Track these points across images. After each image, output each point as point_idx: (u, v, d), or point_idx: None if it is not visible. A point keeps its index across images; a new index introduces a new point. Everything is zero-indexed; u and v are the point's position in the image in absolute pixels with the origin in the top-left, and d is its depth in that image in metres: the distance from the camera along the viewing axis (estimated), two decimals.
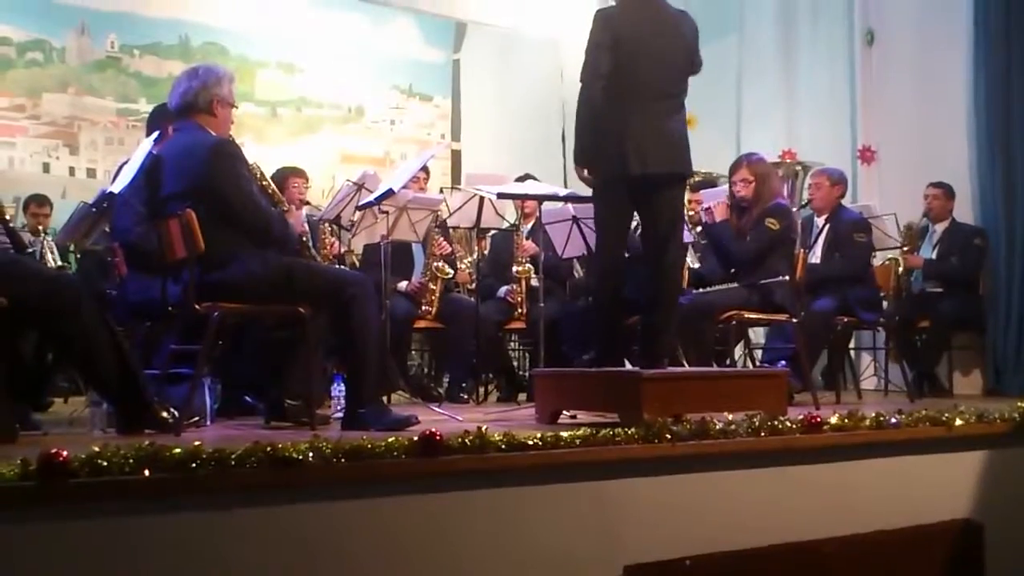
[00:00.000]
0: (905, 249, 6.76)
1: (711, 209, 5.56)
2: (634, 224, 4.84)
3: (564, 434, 3.19)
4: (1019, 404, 4.27)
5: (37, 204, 6.91)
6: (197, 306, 3.85)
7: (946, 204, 6.75)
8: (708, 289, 5.54)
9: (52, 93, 7.89)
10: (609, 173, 4.39)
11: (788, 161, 6.89)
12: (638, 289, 4.59)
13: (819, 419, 3.70)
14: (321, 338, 4.17)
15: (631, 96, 4.33)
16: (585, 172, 4.48)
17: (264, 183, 4.32)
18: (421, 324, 6.21)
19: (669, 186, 4.45)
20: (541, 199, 5.53)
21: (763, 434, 3.56)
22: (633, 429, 3.32)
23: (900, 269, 6.80)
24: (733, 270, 5.52)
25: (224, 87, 4.13)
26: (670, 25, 4.47)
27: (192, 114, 4.09)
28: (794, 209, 6.00)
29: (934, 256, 6.73)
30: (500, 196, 5.54)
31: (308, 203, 6.02)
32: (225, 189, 3.94)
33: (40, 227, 6.73)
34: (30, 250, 5.88)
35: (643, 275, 4.52)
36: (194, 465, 2.56)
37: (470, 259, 6.63)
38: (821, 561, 3.63)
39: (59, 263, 6.27)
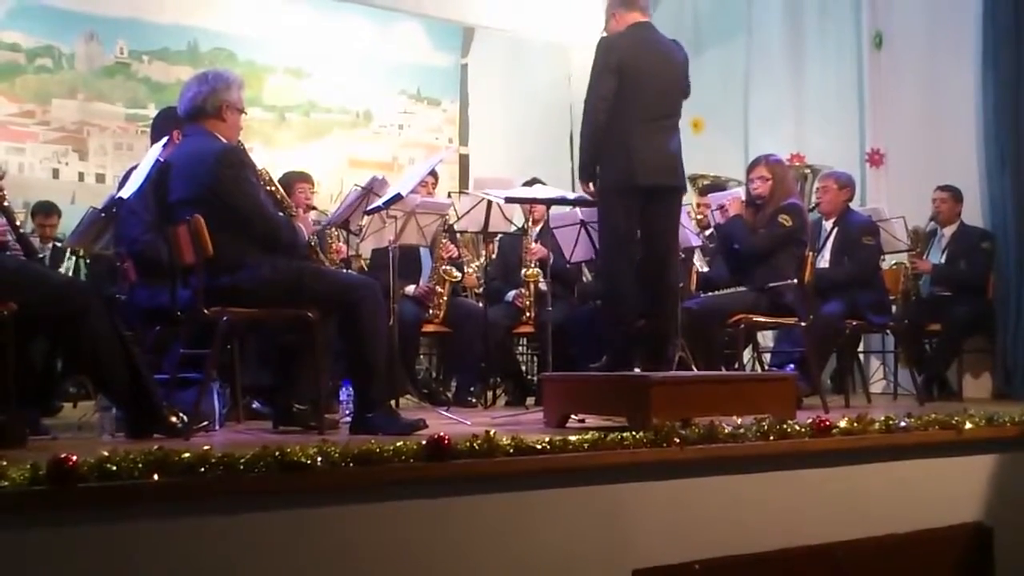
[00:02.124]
0: (913, 253, 6.75)
1: (725, 206, 5.58)
2: None
3: (572, 438, 3.19)
4: None
5: (44, 215, 6.90)
6: (206, 311, 3.86)
7: (954, 207, 6.73)
8: (717, 293, 5.54)
9: (61, 99, 7.90)
10: (616, 183, 4.65)
11: (796, 164, 6.90)
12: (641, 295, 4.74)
13: (828, 423, 3.70)
14: (329, 343, 4.17)
15: (635, 116, 4.65)
16: (589, 186, 4.79)
17: (273, 188, 4.33)
18: (429, 328, 6.21)
19: (670, 198, 4.78)
20: (549, 203, 5.54)
21: (772, 438, 3.56)
22: (642, 433, 3.32)
23: (909, 273, 6.78)
24: (740, 271, 5.51)
25: (233, 93, 4.14)
26: (666, 53, 4.82)
27: (201, 119, 4.10)
28: None
29: (943, 260, 6.71)
30: (508, 200, 5.53)
31: (315, 208, 6.03)
32: (233, 196, 3.94)
33: (48, 236, 6.76)
34: (40, 255, 5.90)
35: (644, 283, 4.72)
36: (203, 469, 2.56)
37: (477, 263, 6.63)
38: (831, 565, 3.63)
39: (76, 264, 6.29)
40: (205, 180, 3.95)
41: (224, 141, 4.08)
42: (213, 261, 3.86)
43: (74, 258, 6.32)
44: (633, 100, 4.63)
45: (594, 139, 4.67)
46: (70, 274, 6.09)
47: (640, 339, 4.71)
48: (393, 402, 5.09)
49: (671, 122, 4.77)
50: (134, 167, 4.59)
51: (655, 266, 4.73)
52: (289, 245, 4.12)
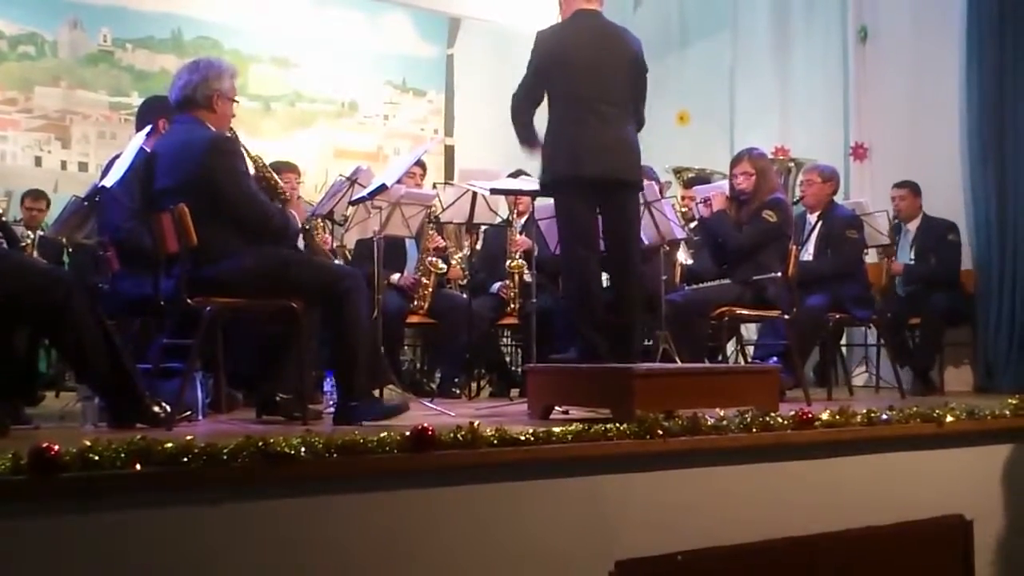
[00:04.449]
0: (887, 254, 6.77)
1: (710, 200, 5.59)
2: None
3: (556, 429, 3.19)
4: (1010, 401, 4.29)
5: (33, 199, 6.93)
6: (189, 300, 3.84)
7: (914, 203, 6.80)
8: (701, 285, 5.55)
9: (44, 87, 7.86)
10: (556, 174, 4.57)
11: (781, 158, 6.92)
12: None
13: (810, 415, 3.71)
14: (314, 332, 4.17)
15: (568, 105, 4.54)
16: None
17: (267, 174, 4.32)
18: (414, 319, 6.21)
19: (621, 193, 4.65)
20: (534, 195, 5.53)
21: (755, 430, 3.57)
22: (625, 425, 3.32)
23: (884, 273, 6.81)
24: (725, 265, 5.53)
25: (225, 82, 4.12)
26: (612, 39, 4.70)
27: (191, 108, 4.08)
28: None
29: (912, 255, 6.76)
30: (493, 192, 5.54)
31: (300, 198, 6.01)
32: (222, 185, 3.93)
33: (36, 220, 6.75)
34: (23, 244, 5.88)
35: (609, 277, 4.73)
36: (186, 459, 2.56)
37: (461, 254, 6.63)
38: (812, 556, 3.65)
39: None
40: (194, 168, 3.93)
41: (213, 130, 4.07)
42: (197, 251, 3.85)
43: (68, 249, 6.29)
44: (565, 90, 4.54)
45: (522, 132, 4.65)
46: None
47: (608, 332, 4.69)
48: (376, 392, 5.10)
49: (614, 111, 4.60)
50: (117, 155, 4.57)
51: (616, 262, 4.69)
52: (280, 233, 4.11)
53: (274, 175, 4.39)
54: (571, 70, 4.55)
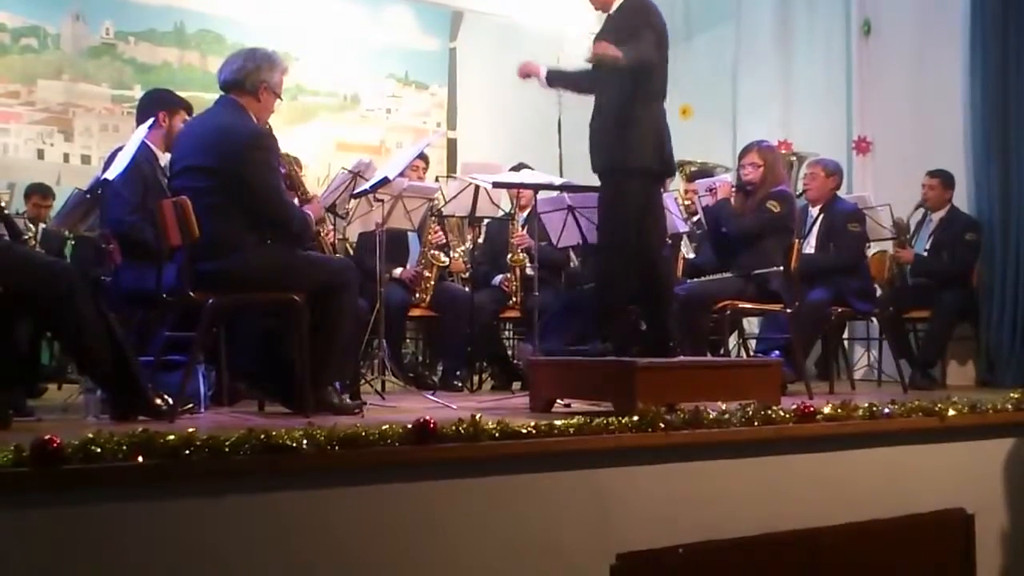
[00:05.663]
0: (896, 243, 6.75)
1: (715, 188, 5.60)
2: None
3: (558, 423, 3.20)
4: (1011, 395, 4.29)
5: (40, 196, 6.92)
6: (192, 294, 3.84)
7: (943, 194, 6.71)
8: (703, 279, 5.55)
9: (47, 79, 7.85)
10: (644, 168, 4.46)
11: (784, 152, 6.90)
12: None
13: (812, 409, 3.72)
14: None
15: (661, 95, 4.49)
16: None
17: (293, 171, 4.35)
18: (415, 312, 6.21)
19: (659, 186, 4.74)
20: (536, 188, 5.53)
21: (757, 424, 3.58)
22: (627, 418, 3.33)
23: (892, 262, 6.78)
24: (727, 255, 5.51)
25: (276, 75, 4.19)
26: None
27: (237, 92, 4.13)
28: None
29: (928, 245, 6.72)
30: (495, 185, 5.53)
31: (318, 198, 6.01)
32: (253, 179, 3.95)
33: (42, 217, 6.75)
34: (25, 237, 5.87)
35: (640, 273, 4.63)
36: (188, 452, 2.56)
37: (463, 248, 6.62)
38: (814, 550, 3.65)
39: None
40: (232, 158, 3.94)
41: (255, 121, 4.11)
42: (207, 244, 3.85)
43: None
44: (662, 77, 4.48)
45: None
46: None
47: (636, 328, 4.67)
48: (379, 384, 5.11)
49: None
50: (119, 148, 4.56)
51: (650, 259, 4.62)
52: (299, 234, 4.16)
53: (297, 172, 4.43)
54: (664, 59, 4.48)
